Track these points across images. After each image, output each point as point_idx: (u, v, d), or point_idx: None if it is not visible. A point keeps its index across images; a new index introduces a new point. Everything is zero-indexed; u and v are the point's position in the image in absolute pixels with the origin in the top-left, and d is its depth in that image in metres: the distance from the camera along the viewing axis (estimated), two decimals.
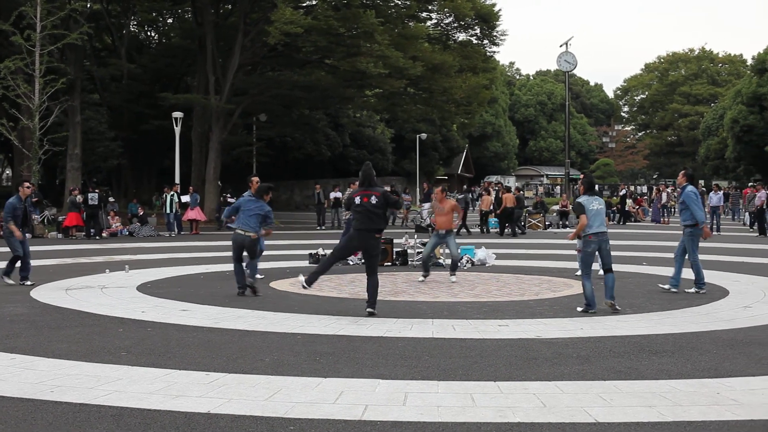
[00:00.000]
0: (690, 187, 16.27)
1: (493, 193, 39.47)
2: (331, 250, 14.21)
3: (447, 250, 19.77)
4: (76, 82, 43.67)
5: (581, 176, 15.44)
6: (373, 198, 13.02)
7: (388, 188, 18.54)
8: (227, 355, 9.88)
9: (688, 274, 16.27)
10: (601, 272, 14.03)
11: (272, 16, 38.36)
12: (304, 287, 13.24)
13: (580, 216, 13.75)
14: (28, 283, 17.44)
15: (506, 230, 34.95)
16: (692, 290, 15.98)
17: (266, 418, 7.20)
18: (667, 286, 16.28)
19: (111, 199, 39.46)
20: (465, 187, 71.73)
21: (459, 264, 19.68)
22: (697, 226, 16.07)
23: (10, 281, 17.48)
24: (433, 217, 19.56)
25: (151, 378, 8.67)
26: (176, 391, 8.13)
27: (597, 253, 13.85)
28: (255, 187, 16.62)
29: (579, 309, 13.79)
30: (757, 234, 34.62)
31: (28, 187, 18.00)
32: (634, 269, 20.41)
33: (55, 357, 9.79)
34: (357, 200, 13.10)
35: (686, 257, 16.26)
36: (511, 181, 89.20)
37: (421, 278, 18.21)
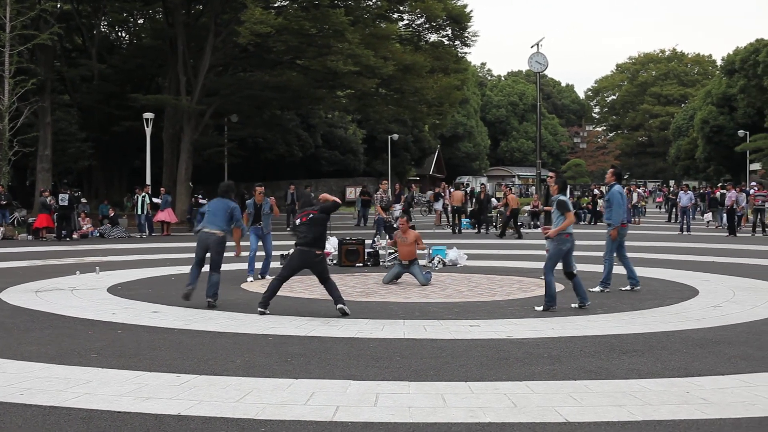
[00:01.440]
0: (617, 187, 16.33)
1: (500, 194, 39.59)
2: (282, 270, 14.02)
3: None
4: (46, 82, 43.45)
5: (551, 175, 15.29)
6: (310, 215, 13.38)
7: (359, 189, 18.59)
8: (198, 357, 9.86)
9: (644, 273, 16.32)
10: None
11: (242, 16, 38.31)
12: (261, 313, 13.21)
13: (567, 213, 13.74)
14: None
15: (510, 230, 35.01)
16: (596, 289, 16.02)
17: (237, 420, 7.19)
18: (627, 287, 16.29)
19: (82, 200, 39.25)
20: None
21: (429, 264, 19.69)
22: (621, 226, 16.22)
23: None
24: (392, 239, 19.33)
25: (121, 380, 8.64)
26: (147, 393, 8.10)
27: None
28: (259, 197, 18.15)
29: (538, 308, 13.85)
30: (728, 234, 34.80)
31: None
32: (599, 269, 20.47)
33: (25, 359, 9.73)
34: (297, 221, 13.55)
35: (614, 255, 16.33)
36: (484, 182, 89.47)
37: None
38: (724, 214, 38.43)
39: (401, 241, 18.28)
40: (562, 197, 14.15)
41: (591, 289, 15.77)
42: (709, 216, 45.28)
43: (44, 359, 9.74)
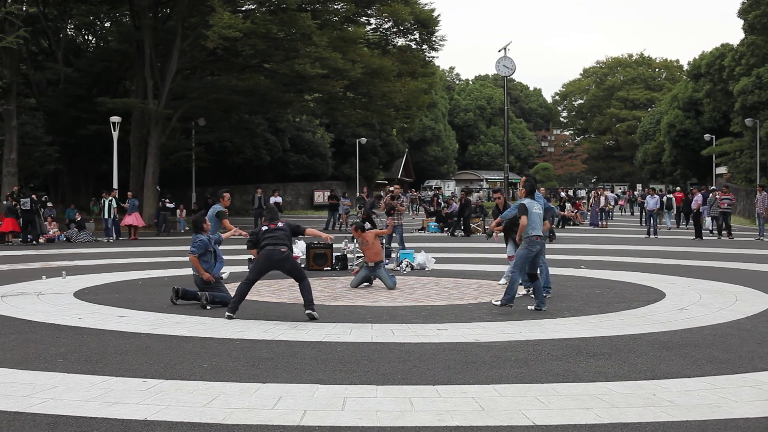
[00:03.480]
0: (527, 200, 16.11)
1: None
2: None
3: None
4: (11, 86, 43.13)
5: (523, 179, 15.35)
6: (279, 224, 13.69)
7: (328, 192, 18.68)
8: (165, 362, 9.82)
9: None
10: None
11: (210, 20, 38.16)
12: (229, 318, 13.15)
13: (521, 216, 13.97)
14: None
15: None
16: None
17: (204, 425, 7.16)
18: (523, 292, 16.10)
19: (49, 205, 38.97)
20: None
21: (397, 267, 19.78)
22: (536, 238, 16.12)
23: None
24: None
25: (87, 385, 8.59)
26: (113, 398, 8.06)
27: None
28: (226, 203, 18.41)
29: (496, 303, 14.11)
30: (694, 237, 35.02)
31: None
32: (572, 272, 20.56)
33: None
34: (264, 228, 13.70)
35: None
36: (452, 186, 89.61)
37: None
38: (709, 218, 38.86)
39: (363, 245, 18.32)
40: (523, 201, 14.35)
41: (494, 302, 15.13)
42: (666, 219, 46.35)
43: (9, 364, 9.68)
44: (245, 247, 14.27)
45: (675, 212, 44.28)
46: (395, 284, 17.69)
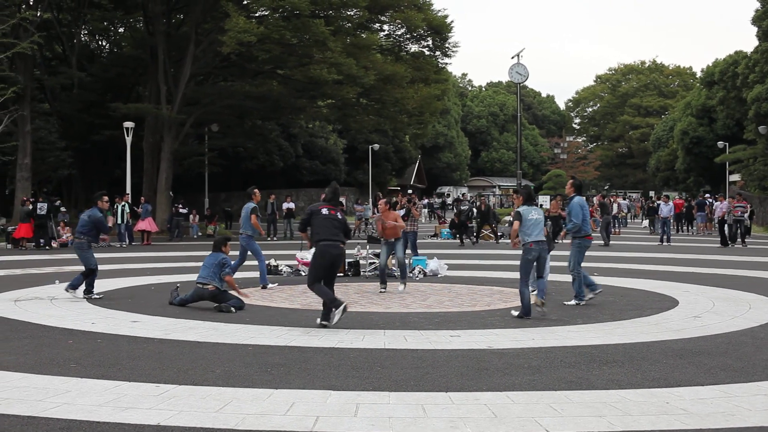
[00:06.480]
0: (576, 198, 16.27)
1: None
2: (311, 280, 13.15)
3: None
4: (26, 91, 43.27)
5: (519, 187, 15.65)
6: (339, 213, 13.22)
7: (343, 199, 18.74)
8: (178, 367, 9.81)
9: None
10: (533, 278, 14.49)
11: (226, 24, 38.22)
12: (324, 325, 12.75)
13: (514, 222, 14.21)
14: None
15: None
16: (572, 302, 15.95)
17: (217, 430, 7.16)
18: (574, 302, 16.07)
19: (62, 210, 39.05)
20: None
21: (410, 274, 19.83)
22: (586, 238, 16.21)
23: None
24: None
25: (100, 390, 8.59)
26: (126, 403, 8.06)
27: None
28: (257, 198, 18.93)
29: (514, 313, 14.05)
30: (720, 245, 35.01)
31: None
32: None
33: (3, 369, 9.67)
34: (324, 211, 13.08)
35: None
36: (465, 192, 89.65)
37: (381, 290, 18.22)
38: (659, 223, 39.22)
39: (383, 224, 18.41)
40: (519, 209, 14.52)
41: (566, 302, 15.85)
42: (646, 222, 50.48)
43: (23, 369, 9.69)
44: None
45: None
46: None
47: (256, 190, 19.54)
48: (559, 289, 17.88)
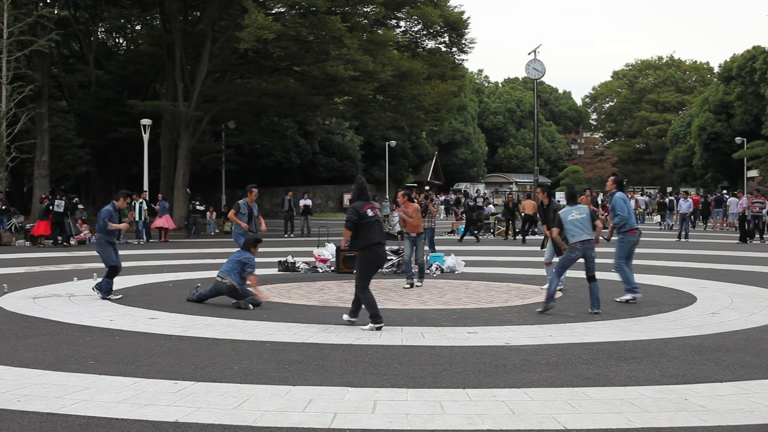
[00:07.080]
0: (618, 193, 16.33)
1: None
2: (365, 283, 12.64)
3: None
4: (43, 88, 43.42)
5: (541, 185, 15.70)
6: (377, 213, 12.99)
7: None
8: (196, 364, 9.84)
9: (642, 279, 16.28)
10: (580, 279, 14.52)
11: (245, 20, 38.20)
12: (377, 329, 12.35)
13: (553, 230, 14.43)
14: None
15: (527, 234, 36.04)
16: (625, 298, 15.84)
17: (235, 427, 7.17)
18: (626, 297, 16.08)
19: (80, 207, 39.16)
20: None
21: (427, 271, 19.83)
22: (629, 232, 16.20)
23: None
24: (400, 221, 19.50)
25: (119, 387, 8.62)
26: (144, 400, 8.08)
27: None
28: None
29: (538, 310, 14.09)
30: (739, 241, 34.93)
31: None
32: (602, 276, 20.33)
33: (22, 366, 9.72)
34: (370, 213, 12.69)
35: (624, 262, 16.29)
36: (481, 189, 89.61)
37: (406, 286, 18.22)
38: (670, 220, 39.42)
39: (406, 216, 18.40)
40: (559, 212, 14.68)
41: (617, 299, 15.80)
42: (657, 218, 51.76)
43: (42, 366, 9.73)
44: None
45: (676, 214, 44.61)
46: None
47: (254, 189, 19.47)
48: (576, 286, 17.82)
